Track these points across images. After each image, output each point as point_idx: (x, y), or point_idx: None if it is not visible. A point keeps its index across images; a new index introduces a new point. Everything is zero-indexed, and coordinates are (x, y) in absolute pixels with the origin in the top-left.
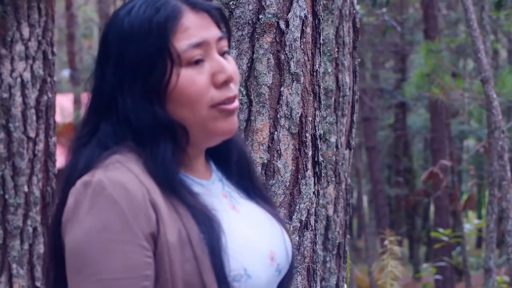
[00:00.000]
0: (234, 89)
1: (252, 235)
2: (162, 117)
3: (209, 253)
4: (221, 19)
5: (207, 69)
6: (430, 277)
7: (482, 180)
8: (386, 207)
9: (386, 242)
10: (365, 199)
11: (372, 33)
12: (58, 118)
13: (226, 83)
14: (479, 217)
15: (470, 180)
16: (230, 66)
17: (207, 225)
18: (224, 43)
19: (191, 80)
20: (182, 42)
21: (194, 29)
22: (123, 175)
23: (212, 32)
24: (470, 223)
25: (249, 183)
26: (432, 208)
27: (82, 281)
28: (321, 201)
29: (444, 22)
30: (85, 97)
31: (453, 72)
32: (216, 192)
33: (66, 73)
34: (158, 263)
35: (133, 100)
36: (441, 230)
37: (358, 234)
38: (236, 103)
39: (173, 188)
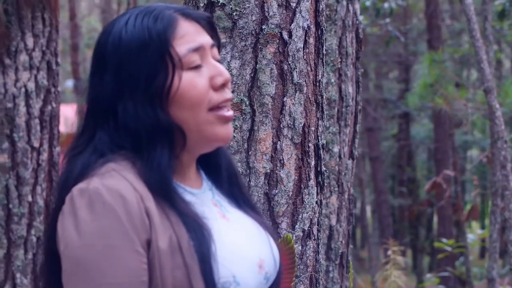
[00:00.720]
0: (229, 92)
1: (241, 243)
2: (163, 120)
3: (198, 260)
4: (210, 28)
5: (205, 73)
6: (433, 287)
7: (485, 190)
8: (389, 217)
9: (389, 252)
10: (368, 209)
11: (376, 43)
12: (62, 128)
13: (223, 86)
14: (482, 227)
15: (474, 190)
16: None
17: (198, 232)
18: (215, 51)
19: (192, 82)
20: (182, 47)
21: (191, 35)
22: (118, 183)
23: (205, 38)
24: (473, 233)
25: (238, 192)
26: (435, 218)
27: (82, 287)
28: (324, 211)
29: (448, 32)
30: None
31: (457, 82)
32: (206, 200)
33: (70, 83)
34: (149, 269)
35: (134, 105)
36: (444, 240)
37: (361, 244)
38: (231, 111)
39: (167, 193)
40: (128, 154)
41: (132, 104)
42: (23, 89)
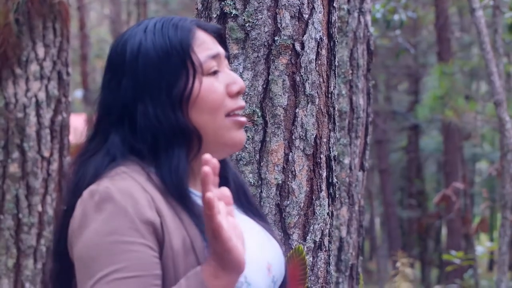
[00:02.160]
0: (242, 100)
1: (251, 245)
2: (183, 123)
3: None
4: (221, 40)
5: (222, 79)
6: None
7: (494, 203)
8: (398, 229)
9: (398, 264)
10: (377, 221)
11: (385, 55)
12: (71, 138)
13: (238, 93)
14: (491, 239)
15: (482, 203)
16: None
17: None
18: (226, 62)
19: (212, 87)
20: (202, 54)
21: (208, 44)
22: (129, 184)
23: (220, 48)
24: (482, 246)
25: (245, 201)
26: (444, 230)
27: (96, 283)
28: (334, 223)
29: (457, 44)
30: (92, 121)
31: (466, 94)
32: None
33: (79, 93)
34: (163, 268)
35: (154, 108)
36: (453, 252)
37: (370, 256)
38: (244, 118)
39: (182, 195)
40: (138, 160)
41: (152, 108)
42: (33, 99)
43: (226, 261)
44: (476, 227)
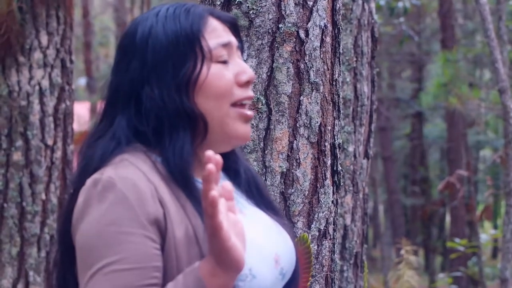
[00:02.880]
0: (251, 91)
1: (257, 237)
2: (188, 107)
3: None
4: (235, 31)
5: (231, 69)
6: (445, 287)
7: (499, 190)
8: (402, 217)
9: (402, 252)
10: (381, 208)
11: (389, 42)
12: (74, 126)
13: (248, 83)
14: (495, 227)
15: (486, 190)
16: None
17: None
18: (239, 53)
19: (220, 74)
20: (212, 40)
21: (219, 31)
22: (132, 172)
23: (232, 37)
24: (486, 233)
25: (257, 194)
26: (448, 218)
27: (94, 274)
28: (338, 211)
29: (461, 32)
30: (100, 105)
31: (470, 82)
32: None
33: (82, 81)
34: (165, 258)
35: (160, 91)
36: (457, 240)
37: (373, 243)
38: (252, 112)
39: (185, 179)
40: (143, 147)
41: (158, 90)
42: (37, 87)
43: (224, 260)
44: (480, 214)
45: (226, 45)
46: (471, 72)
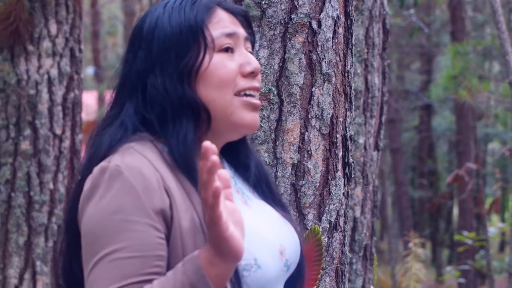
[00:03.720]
0: (258, 82)
1: (262, 228)
2: (189, 96)
3: None
4: (247, 24)
5: (236, 59)
6: (453, 280)
7: (507, 183)
8: (409, 209)
9: (410, 245)
10: (388, 200)
11: (398, 34)
12: (82, 115)
13: (252, 74)
14: (503, 220)
15: (494, 183)
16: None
17: None
18: (248, 45)
19: (222, 63)
20: (216, 31)
21: (226, 22)
22: (139, 161)
23: (240, 29)
24: (494, 227)
25: (268, 191)
26: (455, 211)
27: (98, 261)
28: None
29: (471, 24)
30: (109, 94)
31: (480, 74)
32: None
33: (90, 70)
34: (171, 247)
35: (163, 79)
36: (465, 233)
37: (380, 236)
38: (259, 101)
39: (190, 167)
40: (149, 136)
41: (161, 79)
42: (46, 76)
43: (223, 249)
44: (489, 207)
45: (231, 35)
46: (481, 64)
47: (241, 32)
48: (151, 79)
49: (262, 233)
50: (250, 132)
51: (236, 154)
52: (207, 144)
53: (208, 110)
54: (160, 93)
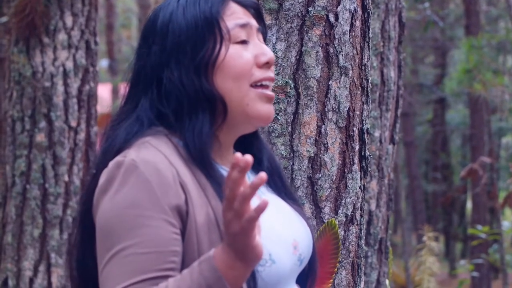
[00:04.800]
0: (272, 73)
1: (276, 223)
2: (206, 89)
3: None
4: (258, 16)
5: (251, 49)
6: (466, 274)
7: None
8: (422, 203)
9: (423, 238)
10: (402, 194)
11: (413, 28)
12: (97, 108)
13: (268, 64)
14: None
15: (509, 177)
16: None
17: None
18: (260, 36)
19: (238, 54)
20: (230, 22)
21: (239, 14)
22: (154, 155)
23: (253, 20)
24: (507, 221)
25: (280, 185)
26: (469, 204)
27: (113, 256)
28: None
29: (485, 18)
30: (123, 87)
31: (494, 68)
32: None
33: (104, 63)
34: (186, 243)
35: (179, 73)
36: (479, 227)
37: (394, 229)
38: (273, 93)
39: (205, 161)
40: (165, 130)
41: (177, 72)
42: (61, 68)
43: (247, 255)
44: (503, 201)
45: (245, 26)
46: (495, 58)
47: (254, 23)
48: (167, 73)
49: (276, 227)
50: (265, 125)
51: (249, 148)
52: (238, 154)
53: (224, 102)
54: (176, 87)
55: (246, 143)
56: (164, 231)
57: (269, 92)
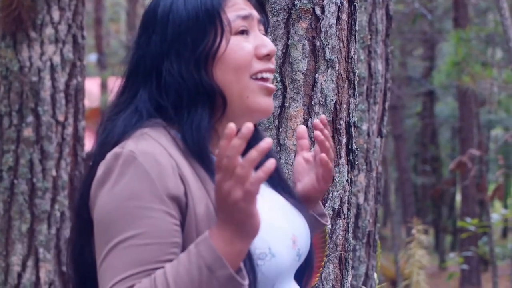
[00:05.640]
0: (273, 65)
1: (275, 217)
2: (206, 83)
3: None
4: (261, 8)
5: (251, 41)
6: (456, 266)
7: (510, 169)
8: (412, 196)
9: (413, 231)
10: (391, 187)
11: (401, 20)
12: (85, 102)
13: (268, 56)
14: (505, 206)
15: (497, 170)
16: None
17: None
18: (261, 27)
19: (239, 45)
20: (231, 14)
21: (240, 5)
22: (153, 147)
23: (254, 11)
24: (497, 213)
25: (278, 179)
26: (458, 197)
27: (113, 248)
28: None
29: (473, 10)
30: (112, 81)
31: (483, 61)
32: None
33: (93, 57)
34: (185, 235)
35: (179, 65)
36: (468, 219)
37: (383, 222)
38: (273, 85)
39: (203, 155)
40: (163, 122)
41: (177, 64)
42: (48, 63)
43: (246, 225)
44: (492, 194)
45: (246, 18)
46: (483, 51)
47: (255, 14)
48: (167, 66)
49: (276, 222)
50: (264, 117)
51: (247, 142)
52: (232, 126)
53: (224, 95)
54: (176, 80)
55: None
56: (165, 222)
57: (269, 84)
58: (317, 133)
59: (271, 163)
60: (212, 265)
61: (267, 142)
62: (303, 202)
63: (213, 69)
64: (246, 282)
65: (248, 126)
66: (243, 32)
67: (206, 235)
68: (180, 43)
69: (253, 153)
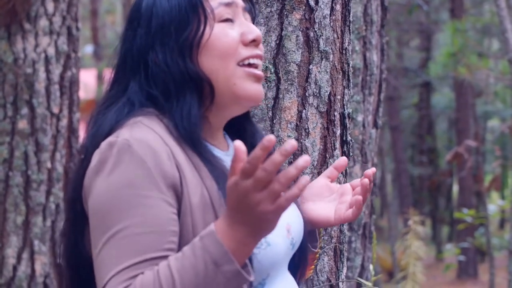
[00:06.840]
0: (260, 50)
1: None
2: (191, 70)
3: None
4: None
5: (236, 28)
6: (452, 257)
7: (507, 160)
8: (409, 187)
9: (410, 222)
10: (388, 178)
11: (397, 11)
12: (81, 94)
13: (254, 42)
14: (502, 197)
15: (494, 160)
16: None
17: (226, 182)
18: (247, 16)
19: (223, 32)
20: (214, 1)
21: None
22: (148, 135)
23: (239, 0)
24: (493, 204)
25: None
26: (455, 188)
27: (110, 238)
28: (347, 181)
29: (470, 1)
30: (108, 73)
31: (479, 52)
32: None
33: (89, 49)
34: (181, 224)
35: (164, 55)
36: (465, 210)
37: (380, 213)
38: (262, 72)
39: (195, 142)
40: (155, 111)
41: (162, 54)
42: (43, 55)
43: (264, 230)
44: (489, 185)
45: (229, 5)
46: (480, 42)
47: (239, 1)
48: (152, 56)
49: None
50: (254, 105)
51: (242, 133)
52: (237, 143)
53: (211, 82)
54: (161, 69)
55: (240, 128)
56: (162, 210)
57: (257, 71)
58: (367, 181)
59: (305, 179)
60: (218, 260)
61: (305, 160)
62: (306, 221)
63: (199, 57)
64: (252, 277)
65: (292, 143)
66: (228, 20)
67: (212, 229)
68: (164, 33)
69: (292, 171)
